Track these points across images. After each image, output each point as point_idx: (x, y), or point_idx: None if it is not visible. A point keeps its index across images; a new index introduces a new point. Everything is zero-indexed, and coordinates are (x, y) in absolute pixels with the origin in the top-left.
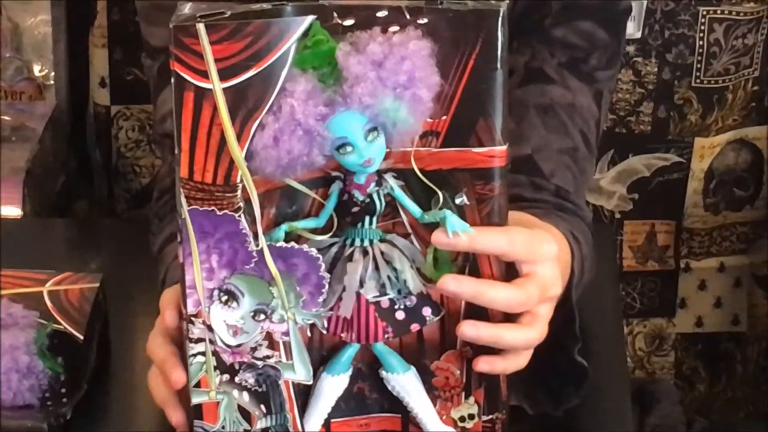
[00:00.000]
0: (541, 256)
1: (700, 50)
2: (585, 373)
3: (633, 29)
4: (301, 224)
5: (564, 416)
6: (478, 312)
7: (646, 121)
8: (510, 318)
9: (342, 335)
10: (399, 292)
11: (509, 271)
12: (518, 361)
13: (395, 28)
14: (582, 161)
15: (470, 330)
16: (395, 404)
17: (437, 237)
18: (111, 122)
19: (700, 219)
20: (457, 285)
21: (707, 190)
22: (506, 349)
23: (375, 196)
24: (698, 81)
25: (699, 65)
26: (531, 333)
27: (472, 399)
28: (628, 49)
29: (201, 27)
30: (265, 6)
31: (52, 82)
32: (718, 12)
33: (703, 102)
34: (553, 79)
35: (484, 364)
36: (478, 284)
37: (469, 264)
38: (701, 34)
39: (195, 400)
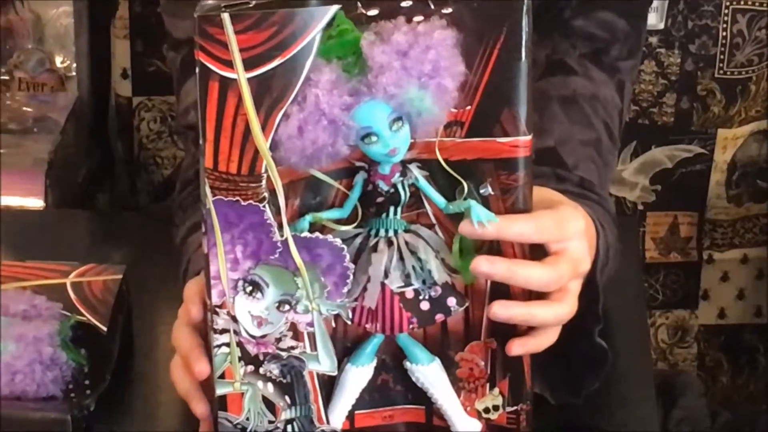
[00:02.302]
0: (570, 233)
1: (724, 41)
2: (605, 357)
3: (656, 20)
4: (325, 215)
5: (589, 409)
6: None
7: (668, 112)
8: (539, 295)
9: (366, 326)
10: (424, 282)
11: (534, 254)
12: (549, 338)
13: (420, 17)
14: (605, 153)
15: (501, 310)
16: (419, 396)
17: (465, 227)
18: (133, 114)
19: (723, 210)
20: (490, 266)
21: (730, 181)
22: (537, 326)
23: (399, 187)
24: (721, 72)
25: (722, 56)
26: (562, 308)
27: (496, 390)
28: (651, 41)
29: (226, 17)
30: None
31: (74, 73)
32: (742, 3)
33: (726, 93)
34: (575, 70)
35: (518, 347)
36: (511, 264)
37: (494, 253)
38: (724, 25)
39: (219, 391)
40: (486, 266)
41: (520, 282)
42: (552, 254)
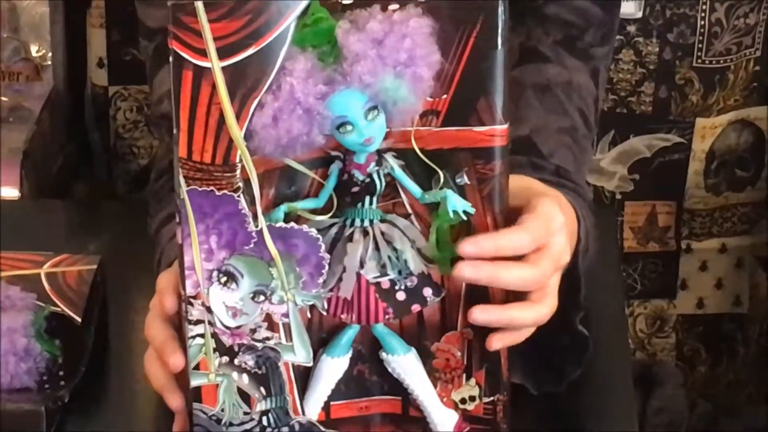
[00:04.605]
0: (554, 230)
1: (702, 30)
2: (586, 344)
3: (634, 9)
4: (300, 204)
5: (567, 399)
6: (480, 292)
7: (647, 101)
8: (519, 295)
9: (342, 316)
10: (400, 272)
11: None
12: (528, 331)
13: (395, 6)
14: (581, 140)
15: (481, 315)
16: (396, 387)
17: (465, 247)
18: (109, 103)
19: (702, 200)
20: (474, 271)
21: (708, 170)
22: (519, 328)
23: (375, 176)
24: (699, 61)
25: (700, 45)
26: (542, 309)
27: (473, 381)
28: (629, 29)
29: (199, 5)
30: None
31: (49, 62)
32: None
33: (704, 82)
34: (548, 57)
35: (497, 342)
36: (494, 268)
37: None
38: (703, 14)
39: (194, 382)
40: (469, 272)
41: (503, 285)
42: (532, 252)
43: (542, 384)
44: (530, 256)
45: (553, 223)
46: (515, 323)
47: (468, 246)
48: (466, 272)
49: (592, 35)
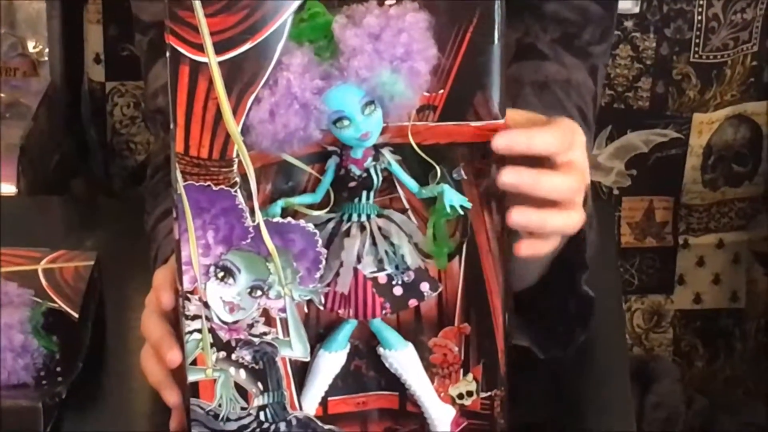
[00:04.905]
0: (578, 143)
1: (699, 25)
2: (591, 305)
3: (631, 5)
4: (297, 200)
5: (564, 394)
6: (476, 286)
7: (644, 96)
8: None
9: (339, 311)
10: (397, 267)
11: (505, 243)
12: (553, 243)
13: (392, 1)
14: None
15: (518, 217)
16: (393, 382)
17: (504, 177)
18: (106, 99)
19: (699, 195)
20: (516, 176)
21: (706, 166)
22: (551, 233)
23: (372, 171)
24: (697, 56)
25: (698, 40)
26: (570, 218)
27: (470, 376)
28: (626, 25)
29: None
30: None
31: (46, 58)
32: None
33: (701, 77)
34: (547, 55)
35: (526, 248)
36: (535, 173)
37: (467, 239)
38: (700, 9)
39: (191, 377)
40: (511, 176)
41: (541, 191)
42: (561, 165)
43: (549, 347)
44: (562, 167)
45: (578, 136)
46: (548, 226)
47: (501, 138)
48: (509, 177)
49: (591, 33)
